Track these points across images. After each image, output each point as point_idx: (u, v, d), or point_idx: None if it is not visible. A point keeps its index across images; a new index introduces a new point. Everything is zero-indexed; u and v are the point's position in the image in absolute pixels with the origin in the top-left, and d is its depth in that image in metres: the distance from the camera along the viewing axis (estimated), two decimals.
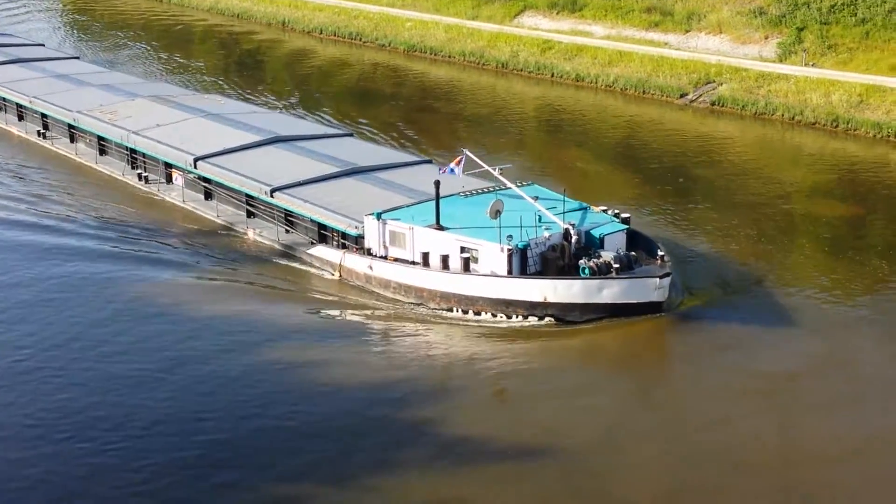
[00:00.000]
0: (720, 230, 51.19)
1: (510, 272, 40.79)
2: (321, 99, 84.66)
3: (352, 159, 53.59)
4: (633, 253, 42.33)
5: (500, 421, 34.30)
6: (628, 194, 57.59)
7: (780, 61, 79.15)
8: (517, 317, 40.78)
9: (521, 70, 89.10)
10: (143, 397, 34.91)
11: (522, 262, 41.16)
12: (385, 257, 44.42)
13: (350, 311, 42.90)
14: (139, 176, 58.72)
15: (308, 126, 62.99)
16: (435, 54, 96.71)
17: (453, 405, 35.19)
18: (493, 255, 41.15)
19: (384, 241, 44.35)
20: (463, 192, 45.94)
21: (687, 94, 78.11)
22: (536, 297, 40.42)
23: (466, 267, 41.64)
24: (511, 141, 70.68)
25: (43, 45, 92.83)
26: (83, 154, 63.92)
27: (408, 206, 46.23)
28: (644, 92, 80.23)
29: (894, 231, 52.47)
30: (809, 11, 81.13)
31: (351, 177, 51.32)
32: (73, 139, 65.85)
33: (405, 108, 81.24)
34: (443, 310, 42.06)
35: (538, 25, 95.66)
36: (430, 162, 55.21)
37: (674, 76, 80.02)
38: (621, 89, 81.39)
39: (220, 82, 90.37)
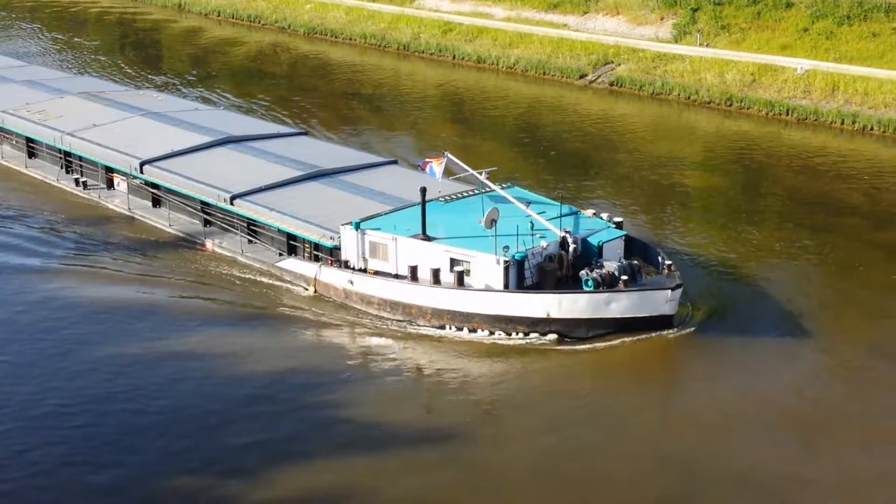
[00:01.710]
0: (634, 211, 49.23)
1: (507, 285, 36.28)
2: (218, 77, 79.77)
3: (312, 161, 47.64)
4: (636, 262, 38.20)
5: (498, 453, 29.70)
6: (533, 175, 54.22)
7: (676, 42, 77.72)
8: (517, 334, 36.49)
9: (423, 52, 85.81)
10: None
11: (519, 275, 36.60)
12: (364, 270, 39.38)
13: (329, 330, 37.96)
14: (76, 181, 51.71)
15: (258, 125, 56.32)
16: (335, 36, 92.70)
17: (446, 433, 30.67)
18: (487, 268, 36.50)
19: (363, 253, 39.35)
20: (442, 197, 41.22)
21: (586, 75, 76.42)
22: (539, 313, 36.09)
23: (461, 281, 36.87)
24: (409, 120, 67.16)
25: None
26: (10, 158, 56.38)
27: (386, 213, 40.94)
28: (545, 73, 78.13)
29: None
30: None
31: (315, 181, 45.56)
32: None
33: (297, 86, 76.35)
34: (434, 327, 37.54)
35: (439, 7, 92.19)
36: (394, 163, 49.14)
37: (573, 57, 78.25)
38: (522, 71, 79.30)
39: (118, 62, 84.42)
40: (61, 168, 53.28)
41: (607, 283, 36.52)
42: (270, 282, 41.76)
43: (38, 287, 40.83)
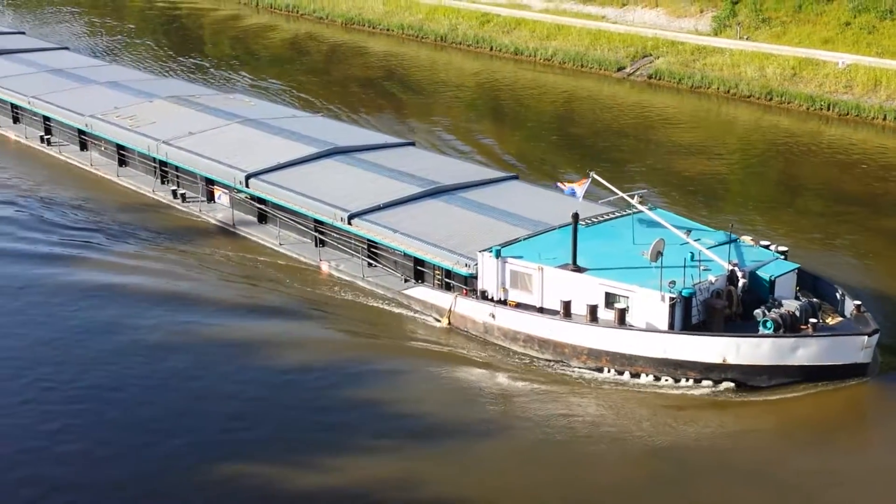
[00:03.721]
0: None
1: (671, 325, 31.05)
2: (261, 65, 76.81)
3: (429, 175, 41.87)
4: (816, 300, 33.02)
5: None
6: (571, 168, 50.59)
7: (716, 35, 73.58)
8: (687, 380, 31.31)
9: (460, 43, 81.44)
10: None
11: (686, 313, 31.33)
12: (504, 302, 34.21)
13: (468, 368, 32.78)
14: (174, 193, 45.96)
15: (363, 134, 50.30)
16: (373, 27, 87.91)
17: (604, 486, 26.46)
18: (650, 304, 31.13)
19: (503, 283, 34.11)
20: (583, 221, 35.35)
21: (624, 68, 72.61)
22: (714, 358, 30.69)
23: (622, 319, 31.52)
24: (445, 111, 63.39)
25: (24, 33, 74.94)
26: (99, 165, 50.44)
27: (525, 238, 35.52)
28: (582, 66, 74.24)
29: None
30: None
31: (435, 198, 39.83)
32: (84, 147, 51.95)
33: (335, 75, 72.96)
34: (590, 369, 32.48)
35: None
36: (516, 178, 43.19)
37: (611, 50, 74.18)
38: (560, 63, 75.24)
39: (163, 50, 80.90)
40: (156, 178, 47.73)
41: (787, 325, 30.96)
42: (396, 310, 36.16)
43: (151, 314, 35.82)
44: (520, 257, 34.41)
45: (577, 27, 78.50)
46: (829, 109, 63.53)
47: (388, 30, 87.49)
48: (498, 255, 34.40)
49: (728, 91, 67.85)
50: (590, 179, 36.19)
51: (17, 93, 56.52)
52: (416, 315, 36.45)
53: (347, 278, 38.69)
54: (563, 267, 33.58)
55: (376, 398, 31.05)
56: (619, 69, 73.35)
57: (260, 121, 49.70)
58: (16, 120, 57.27)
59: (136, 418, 29.80)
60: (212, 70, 76.25)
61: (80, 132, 52.12)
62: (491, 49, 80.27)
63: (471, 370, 33.14)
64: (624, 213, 37.57)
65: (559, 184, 36.93)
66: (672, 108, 65.83)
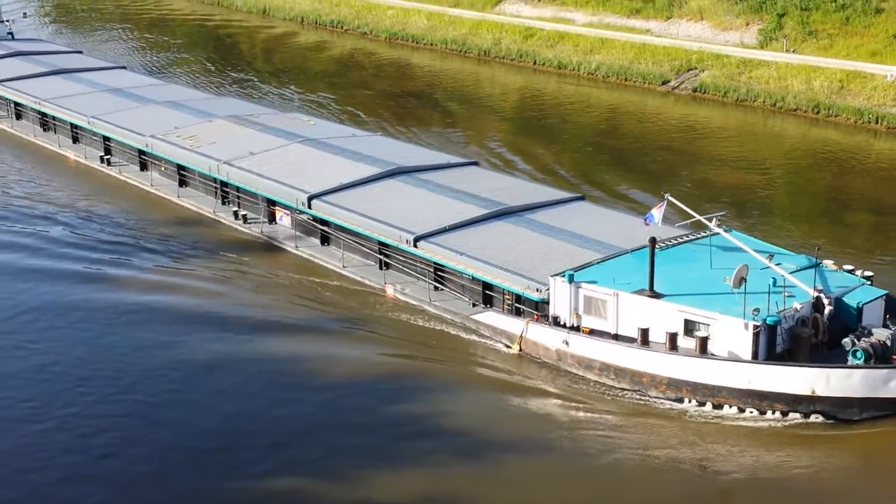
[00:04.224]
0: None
1: (755, 354, 29.51)
2: (306, 78, 76.55)
3: (493, 196, 40.44)
4: None
5: None
6: (615, 185, 50.27)
7: (762, 48, 71.95)
8: (773, 412, 29.75)
9: (504, 58, 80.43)
10: None
11: (770, 342, 29.70)
12: (577, 328, 32.87)
13: (542, 398, 31.60)
14: (235, 214, 44.97)
15: (424, 153, 48.81)
16: (417, 42, 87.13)
17: None
18: (733, 332, 29.63)
19: (576, 308, 32.72)
20: (658, 244, 33.53)
21: (669, 81, 71.47)
22: (802, 390, 29.16)
23: (704, 347, 30.03)
24: (488, 126, 62.53)
25: (81, 52, 74.53)
26: (160, 185, 49.58)
27: (598, 262, 34.03)
28: (626, 79, 73.02)
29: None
30: None
31: (501, 219, 38.41)
32: (143, 167, 51.23)
33: (385, 93, 71.92)
34: (670, 400, 30.99)
35: (520, 13, 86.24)
36: (582, 199, 41.61)
37: (656, 63, 73.02)
38: (603, 77, 74.09)
39: (204, 63, 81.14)
40: (217, 199, 46.81)
41: (878, 355, 29.36)
42: (464, 336, 34.84)
43: (211, 335, 35.07)
44: (593, 282, 33.15)
45: (622, 41, 77.28)
46: (877, 122, 61.88)
47: (431, 44, 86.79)
48: (571, 280, 33.20)
49: (774, 104, 66.67)
50: (665, 202, 34.90)
51: (77, 113, 56.31)
52: (485, 341, 35.33)
53: (413, 302, 37.64)
54: (640, 293, 32.26)
55: (445, 424, 29.82)
56: (664, 82, 72.31)
57: (320, 140, 48.89)
58: (75, 140, 57.06)
59: (219, 430, 28.92)
60: (259, 84, 75.74)
61: (140, 152, 51.69)
62: (534, 63, 79.43)
63: (543, 398, 31.79)
64: (698, 235, 36.25)
65: (645, 220, 35.45)
66: (718, 121, 64.58)
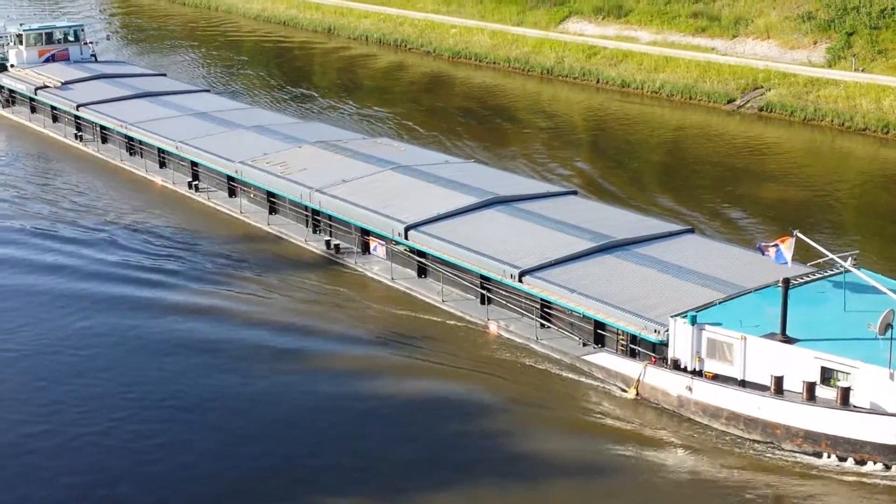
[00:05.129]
0: None
1: None
2: (366, 94, 76.32)
3: (597, 228, 37.98)
4: None
5: None
6: (683, 209, 48.83)
7: (829, 66, 69.51)
8: None
9: (567, 76, 78.71)
10: None
11: None
12: (700, 372, 30.52)
13: (664, 450, 29.59)
14: (327, 244, 43.11)
15: (521, 182, 46.59)
16: (479, 60, 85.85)
17: None
18: (877, 382, 27.25)
19: (698, 352, 30.37)
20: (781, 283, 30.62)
21: (734, 100, 69.35)
22: None
23: (845, 398, 27.65)
24: (550, 145, 61.39)
25: (165, 74, 73.03)
26: (249, 212, 47.91)
27: (720, 302, 31.61)
28: (691, 98, 71.00)
29: None
30: (859, 16, 71.41)
31: (608, 253, 35.99)
32: (232, 193, 49.57)
33: (452, 112, 71.46)
34: (806, 454, 28.60)
35: (583, 31, 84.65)
36: (691, 231, 39.04)
37: (721, 82, 70.80)
38: (667, 95, 72.15)
39: (266, 78, 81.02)
40: (308, 227, 45.00)
41: None
42: (573, 377, 32.55)
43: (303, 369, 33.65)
44: (718, 324, 30.87)
45: (686, 59, 75.22)
46: None
47: (494, 63, 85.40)
48: (694, 321, 31.04)
49: (842, 124, 64.52)
50: (794, 238, 32.59)
51: (164, 137, 55.38)
52: (597, 383, 33.32)
53: (519, 340, 35.56)
54: (770, 336, 29.98)
55: (553, 478, 27.67)
56: (729, 101, 70.25)
57: (413, 167, 47.12)
58: (162, 164, 56.39)
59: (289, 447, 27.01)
60: (319, 99, 74.44)
61: (230, 178, 50.73)
62: (597, 81, 77.68)
63: (665, 449, 29.50)
64: (825, 273, 33.85)
65: (762, 245, 33.31)
66: (785, 140, 62.56)
